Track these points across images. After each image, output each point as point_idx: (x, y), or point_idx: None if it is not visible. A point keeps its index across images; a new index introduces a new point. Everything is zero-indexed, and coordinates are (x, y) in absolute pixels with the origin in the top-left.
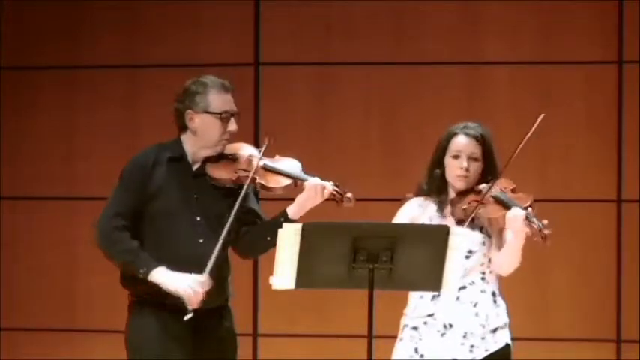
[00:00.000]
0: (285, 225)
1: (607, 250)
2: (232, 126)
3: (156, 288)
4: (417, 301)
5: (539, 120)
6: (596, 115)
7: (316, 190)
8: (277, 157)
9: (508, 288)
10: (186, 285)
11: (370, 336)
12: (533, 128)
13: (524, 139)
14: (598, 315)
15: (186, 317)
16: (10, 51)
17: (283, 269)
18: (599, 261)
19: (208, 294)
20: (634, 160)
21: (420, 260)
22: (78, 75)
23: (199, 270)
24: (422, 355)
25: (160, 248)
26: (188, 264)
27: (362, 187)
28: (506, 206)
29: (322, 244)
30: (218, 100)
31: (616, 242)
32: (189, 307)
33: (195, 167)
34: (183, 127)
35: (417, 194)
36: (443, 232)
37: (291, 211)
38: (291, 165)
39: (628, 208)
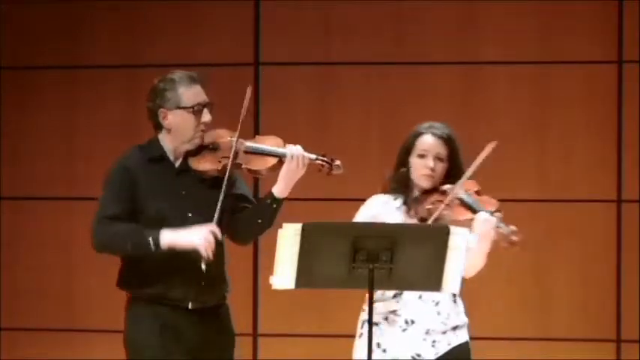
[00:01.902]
0: (285, 225)
1: (607, 250)
2: (206, 117)
3: (153, 286)
4: (378, 298)
5: (490, 147)
6: (596, 114)
7: (295, 158)
8: (257, 137)
9: (508, 288)
10: (199, 235)
11: (370, 336)
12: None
13: (474, 165)
14: (598, 315)
15: (203, 267)
16: (10, 51)
17: (283, 269)
18: (599, 261)
19: (205, 293)
20: (634, 160)
21: (420, 260)
22: (78, 75)
23: (196, 266)
24: (384, 350)
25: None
26: (186, 259)
27: (362, 187)
28: (473, 210)
29: (322, 244)
30: (188, 93)
31: (616, 242)
32: (205, 256)
33: (177, 164)
34: (158, 126)
35: (384, 192)
36: (443, 232)
37: (277, 189)
38: (272, 142)
39: (628, 208)
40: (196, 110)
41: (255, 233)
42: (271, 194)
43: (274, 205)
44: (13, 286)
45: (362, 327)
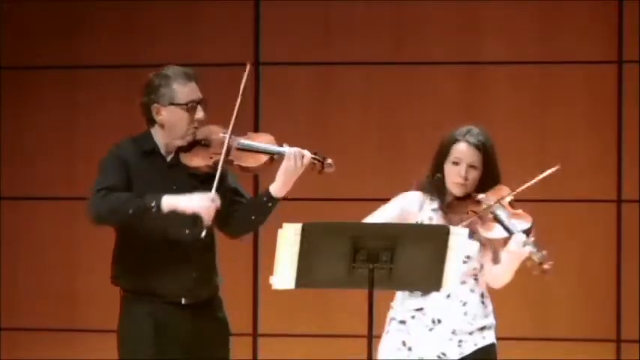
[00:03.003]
0: (285, 225)
1: (607, 250)
2: (199, 114)
3: (146, 281)
4: (406, 295)
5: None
6: (596, 115)
7: (294, 157)
8: (249, 133)
9: (508, 287)
10: (199, 200)
11: (370, 336)
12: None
13: (525, 185)
14: (598, 315)
15: (202, 235)
16: (10, 51)
17: (283, 269)
18: (599, 261)
19: (197, 286)
20: (634, 160)
21: (420, 260)
22: (78, 75)
23: (187, 259)
24: (410, 349)
25: (146, 242)
26: (176, 254)
27: (361, 186)
28: (508, 229)
29: (322, 244)
30: (182, 90)
31: (616, 242)
32: (205, 223)
33: (169, 158)
34: (151, 121)
35: (419, 189)
36: (443, 232)
37: (274, 187)
38: (265, 140)
39: (628, 208)
40: (190, 107)
41: (248, 229)
42: (268, 192)
43: (270, 204)
44: (13, 286)
45: (389, 324)
